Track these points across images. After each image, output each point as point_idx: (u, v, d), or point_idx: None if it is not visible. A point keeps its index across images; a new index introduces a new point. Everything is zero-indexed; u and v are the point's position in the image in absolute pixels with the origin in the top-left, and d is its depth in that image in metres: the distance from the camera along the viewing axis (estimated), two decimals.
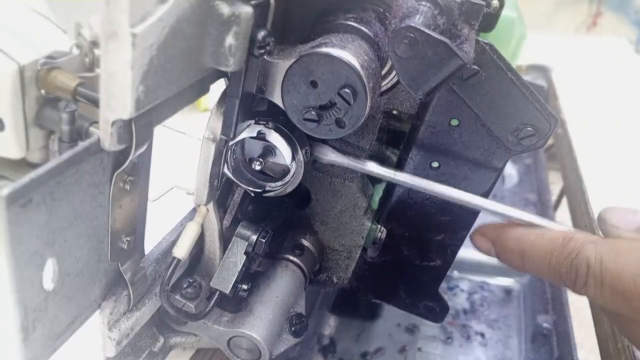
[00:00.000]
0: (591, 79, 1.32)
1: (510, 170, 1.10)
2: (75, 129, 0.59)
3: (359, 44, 0.41)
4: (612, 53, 1.50)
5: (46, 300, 0.35)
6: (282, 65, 0.40)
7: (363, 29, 0.42)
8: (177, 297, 0.48)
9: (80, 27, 0.64)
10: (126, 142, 0.35)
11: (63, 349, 0.40)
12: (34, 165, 0.63)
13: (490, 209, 0.47)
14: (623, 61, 1.45)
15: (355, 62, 0.38)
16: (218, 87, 0.42)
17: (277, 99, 0.41)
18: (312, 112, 0.40)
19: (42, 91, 0.59)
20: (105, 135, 0.33)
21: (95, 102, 0.56)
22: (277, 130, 0.44)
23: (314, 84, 0.40)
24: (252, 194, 0.48)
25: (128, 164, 0.37)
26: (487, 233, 0.48)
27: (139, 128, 0.34)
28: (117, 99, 0.31)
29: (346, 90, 0.39)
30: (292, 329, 0.51)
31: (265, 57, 0.39)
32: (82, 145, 0.33)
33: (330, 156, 0.48)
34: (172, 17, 0.31)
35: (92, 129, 0.59)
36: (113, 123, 0.32)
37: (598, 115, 1.14)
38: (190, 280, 0.49)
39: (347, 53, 0.39)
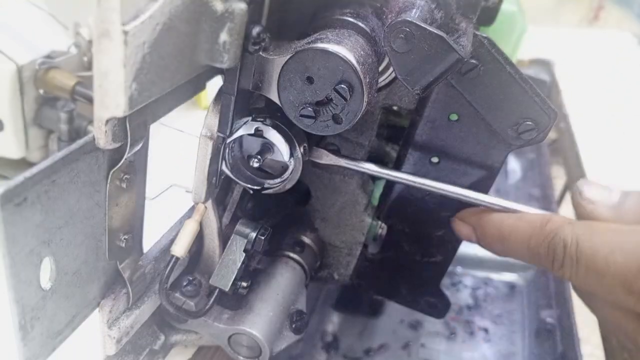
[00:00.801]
0: (595, 73, 1.31)
1: (514, 165, 1.09)
2: (74, 128, 0.59)
3: (355, 39, 0.41)
4: (615, 47, 1.49)
5: (44, 299, 0.35)
6: (277, 61, 0.39)
7: (360, 24, 0.42)
8: (177, 295, 0.48)
9: (78, 27, 0.64)
10: (121, 140, 0.35)
11: (63, 348, 0.40)
12: (34, 165, 0.63)
13: (487, 202, 0.47)
14: (627, 55, 1.44)
15: (351, 57, 0.38)
16: (219, 84, 0.42)
17: (273, 96, 0.41)
18: (309, 108, 0.40)
19: (41, 91, 0.59)
20: (99, 133, 0.33)
21: (93, 101, 0.56)
22: (274, 127, 0.44)
23: (310, 80, 0.39)
24: (251, 192, 0.48)
25: (124, 162, 0.37)
26: (467, 218, 0.49)
27: (133, 126, 0.34)
28: (111, 97, 0.31)
29: (342, 85, 0.39)
30: (293, 325, 0.51)
31: (260, 53, 0.39)
32: (76, 143, 0.33)
33: (325, 159, 0.48)
34: (165, 14, 0.31)
35: (90, 127, 0.59)
36: (107, 121, 0.32)
37: (601, 109, 1.14)
38: (190, 278, 0.49)
39: (343, 48, 0.38)
